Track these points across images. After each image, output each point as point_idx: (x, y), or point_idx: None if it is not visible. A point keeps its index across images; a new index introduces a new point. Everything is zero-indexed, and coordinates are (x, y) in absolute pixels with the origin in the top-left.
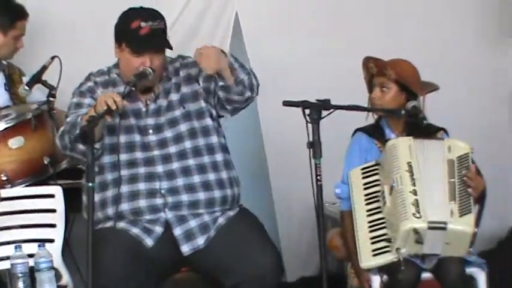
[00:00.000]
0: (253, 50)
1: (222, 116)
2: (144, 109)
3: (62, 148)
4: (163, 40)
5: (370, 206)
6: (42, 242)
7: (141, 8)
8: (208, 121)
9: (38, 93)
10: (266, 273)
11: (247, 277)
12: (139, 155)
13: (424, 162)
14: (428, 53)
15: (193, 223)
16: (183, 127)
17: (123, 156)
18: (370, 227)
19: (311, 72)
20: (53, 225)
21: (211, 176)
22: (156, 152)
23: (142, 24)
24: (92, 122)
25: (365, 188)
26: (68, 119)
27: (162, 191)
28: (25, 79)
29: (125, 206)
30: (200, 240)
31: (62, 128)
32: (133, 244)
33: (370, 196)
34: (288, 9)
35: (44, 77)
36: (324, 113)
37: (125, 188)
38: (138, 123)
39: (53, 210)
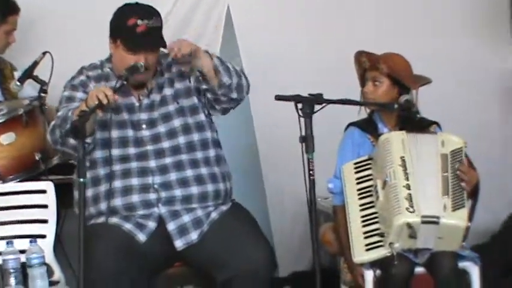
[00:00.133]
0: (245, 43)
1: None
2: (137, 104)
3: (52, 143)
4: (159, 39)
5: (363, 201)
6: (33, 237)
7: (137, 4)
8: (202, 117)
9: (29, 89)
10: (259, 268)
11: (240, 272)
12: (132, 150)
13: (417, 157)
14: (420, 47)
15: (186, 218)
16: (177, 122)
17: (116, 151)
18: (363, 221)
19: (303, 65)
20: (44, 221)
21: (204, 170)
22: (149, 147)
23: (139, 22)
24: (83, 116)
25: (358, 183)
26: (59, 113)
27: (155, 186)
28: (17, 74)
29: (117, 201)
30: (193, 235)
31: (52, 123)
32: (126, 239)
33: (363, 191)
34: (279, 2)
35: (35, 73)
36: (317, 107)
37: (117, 183)
38: (131, 118)
39: (45, 206)
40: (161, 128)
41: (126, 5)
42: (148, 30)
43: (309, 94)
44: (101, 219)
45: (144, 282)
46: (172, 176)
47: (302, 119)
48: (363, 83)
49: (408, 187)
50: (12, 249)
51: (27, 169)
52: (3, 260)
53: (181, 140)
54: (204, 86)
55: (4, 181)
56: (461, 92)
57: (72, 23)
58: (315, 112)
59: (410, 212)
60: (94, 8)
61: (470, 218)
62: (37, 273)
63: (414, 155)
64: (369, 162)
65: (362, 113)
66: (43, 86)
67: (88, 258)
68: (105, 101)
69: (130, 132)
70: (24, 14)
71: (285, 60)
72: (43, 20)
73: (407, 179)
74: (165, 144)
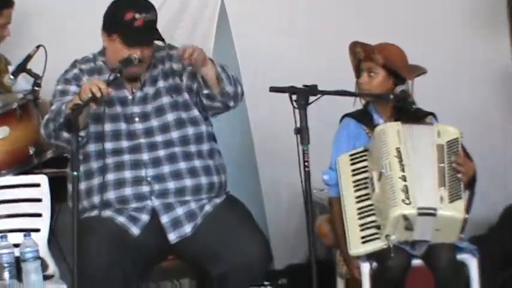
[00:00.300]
0: (239, 34)
1: None
2: (130, 97)
3: (46, 137)
4: (155, 32)
5: (358, 193)
6: (27, 231)
7: None
8: (196, 112)
9: (23, 82)
10: (254, 261)
11: (234, 265)
12: (124, 143)
13: (413, 148)
14: (419, 44)
15: (180, 211)
16: (170, 117)
17: (109, 145)
18: (359, 214)
19: (298, 57)
20: (38, 215)
21: (198, 163)
22: (142, 140)
23: (137, 16)
24: (77, 109)
25: (353, 175)
26: (53, 107)
27: (148, 179)
28: (11, 68)
29: (110, 195)
30: (187, 228)
31: (46, 116)
32: (119, 233)
33: (358, 183)
34: None
35: (28, 66)
36: (312, 98)
37: (110, 176)
38: (124, 111)
39: (39, 200)
40: (154, 122)
41: None
42: (145, 24)
43: (304, 85)
44: (94, 213)
45: (137, 275)
46: (166, 168)
47: (297, 111)
48: (357, 74)
49: (404, 178)
50: (6, 244)
51: (21, 163)
52: None
53: (175, 134)
54: (206, 91)
55: None
56: (461, 87)
57: (66, 16)
58: (310, 103)
59: (407, 203)
60: (87, 2)
61: (468, 209)
62: (31, 268)
63: (410, 146)
64: (364, 153)
65: (357, 104)
66: (37, 79)
67: (81, 251)
68: (98, 94)
69: (123, 126)
70: (18, 7)
71: (280, 51)
72: (37, 13)
73: (403, 170)
74: (158, 138)
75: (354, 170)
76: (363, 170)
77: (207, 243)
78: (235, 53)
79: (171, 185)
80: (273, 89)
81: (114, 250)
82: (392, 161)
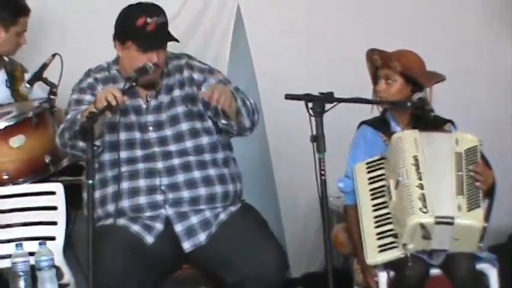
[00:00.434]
0: (255, 42)
1: None
2: (144, 106)
3: (61, 146)
4: (168, 34)
5: (375, 201)
6: (43, 239)
7: (140, 3)
8: (210, 123)
9: (39, 91)
10: (269, 270)
11: (250, 274)
12: (139, 152)
13: (430, 156)
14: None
15: (194, 219)
16: (184, 126)
17: (123, 154)
18: (376, 222)
19: (315, 63)
20: (54, 223)
21: (212, 172)
22: (156, 149)
23: (148, 20)
24: (92, 118)
25: (370, 183)
26: (68, 116)
27: (162, 187)
28: (27, 76)
29: (125, 203)
30: (202, 237)
31: (61, 126)
32: (134, 241)
33: (375, 191)
34: (289, 3)
35: (44, 75)
36: (328, 106)
37: (125, 185)
38: (138, 120)
39: (54, 208)
40: (168, 131)
41: (130, 6)
42: (158, 27)
43: (320, 93)
44: (109, 221)
45: (151, 284)
46: (180, 177)
47: (313, 118)
48: (375, 81)
49: (421, 187)
50: (21, 252)
51: (38, 172)
52: (13, 263)
53: (189, 143)
54: (223, 121)
55: (14, 184)
56: (474, 89)
57: (81, 24)
58: (326, 111)
59: (424, 212)
60: (103, 10)
61: (487, 218)
62: (46, 276)
63: (427, 154)
64: (381, 161)
65: (375, 112)
66: (52, 88)
67: (96, 260)
68: (114, 103)
69: (137, 134)
70: (34, 15)
71: (296, 58)
72: (53, 21)
73: (420, 178)
74: (172, 147)
75: (370, 178)
76: (379, 178)
77: (221, 251)
78: (252, 60)
79: (185, 193)
80: (289, 97)
81: (129, 259)
82: (410, 169)
